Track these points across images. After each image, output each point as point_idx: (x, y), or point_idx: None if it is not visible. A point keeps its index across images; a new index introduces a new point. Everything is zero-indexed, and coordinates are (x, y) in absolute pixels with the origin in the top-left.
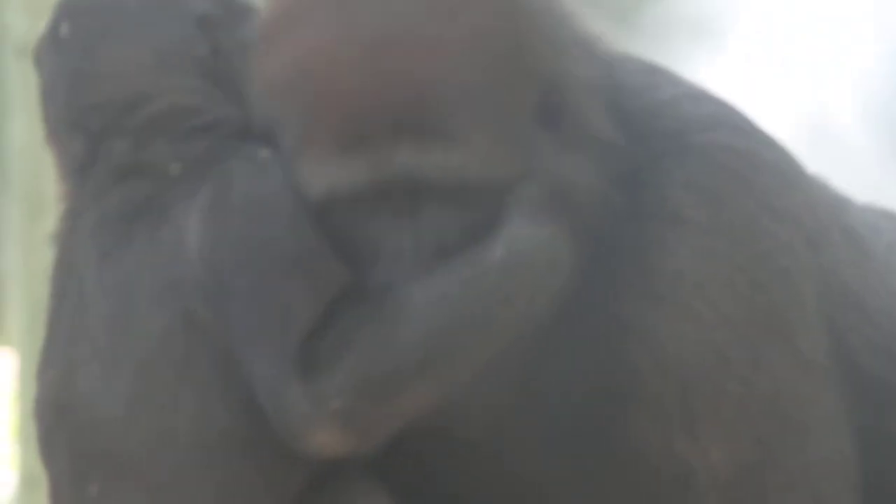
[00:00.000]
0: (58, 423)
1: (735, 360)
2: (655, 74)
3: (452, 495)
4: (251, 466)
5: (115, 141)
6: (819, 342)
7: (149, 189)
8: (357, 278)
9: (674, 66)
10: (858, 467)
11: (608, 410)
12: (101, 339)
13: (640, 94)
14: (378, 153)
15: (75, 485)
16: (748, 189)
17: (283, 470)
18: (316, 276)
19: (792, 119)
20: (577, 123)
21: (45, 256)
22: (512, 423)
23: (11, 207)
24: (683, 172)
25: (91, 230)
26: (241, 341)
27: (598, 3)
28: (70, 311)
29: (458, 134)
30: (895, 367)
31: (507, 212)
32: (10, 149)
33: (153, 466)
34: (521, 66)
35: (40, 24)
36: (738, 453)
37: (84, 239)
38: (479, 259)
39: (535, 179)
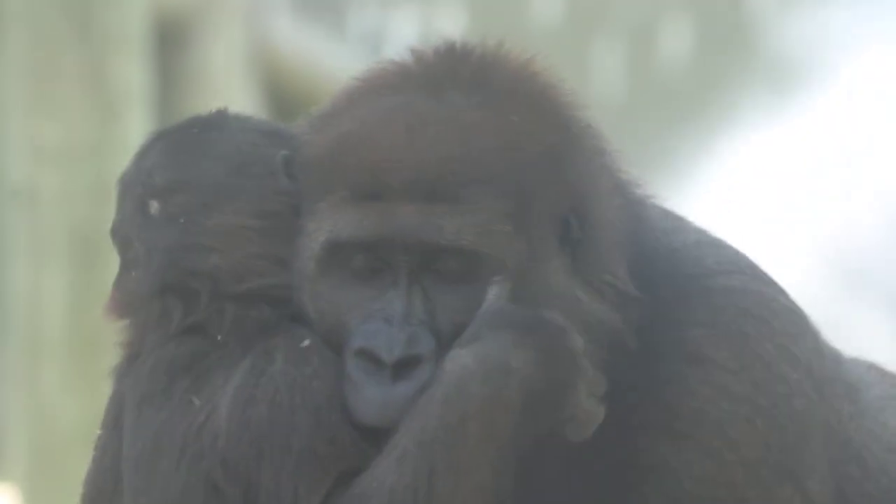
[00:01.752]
0: None
1: (750, 499)
2: (678, 219)
3: None
4: None
5: (205, 304)
6: (826, 486)
7: (198, 348)
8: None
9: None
10: None
11: None
12: (133, 482)
13: (665, 237)
14: (388, 207)
15: None
16: (767, 332)
17: None
18: (327, 467)
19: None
20: (595, 259)
21: (45, 397)
22: None
23: (13, 351)
24: (704, 313)
25: (140, 375)
26: None
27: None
28: (113, 449)
29: (470, 202)
30: None
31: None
32: (12, 294)
33: None
34: (549, 175)
35: (39, 172)
36: None
37: (134, 379)
38: (426, 405)
39: (509, 279)
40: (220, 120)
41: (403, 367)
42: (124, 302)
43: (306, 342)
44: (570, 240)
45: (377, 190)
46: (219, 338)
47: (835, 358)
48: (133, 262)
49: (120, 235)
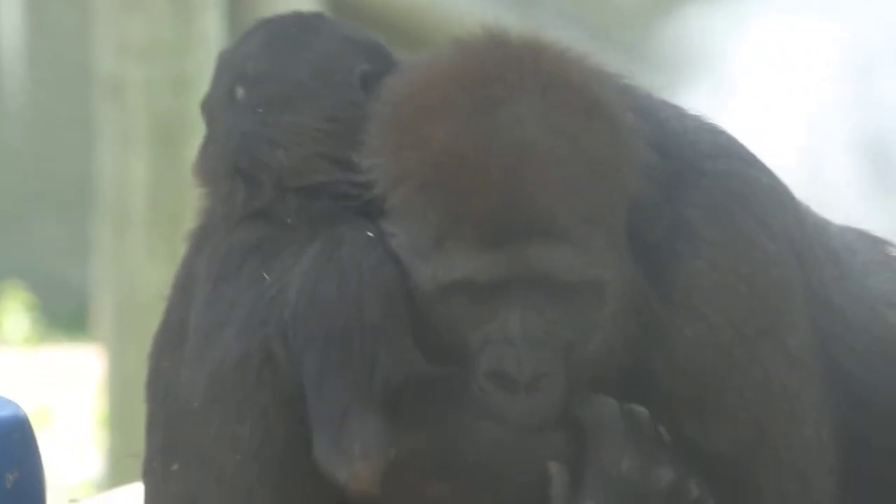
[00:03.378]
0: (161, 405)
1: (736, 355)
2: (676, 108)
3: None
4: (297, 484)
5: (268, 193)
6: (806, 343)
7: (267, 233)
8: (458, 357)
9: (676, 97)
10: (836, 453)
11: (633, 400)
12: (197, 346)
13: (664, 126)
14: (516, 251)
15: (163, 460)
16: (750, 210)
17: (324, 490)
18: (394, 350)
19: (784, 149)
20: (642, 233)
21: (130, 267)
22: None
23: (101, 225)
24: (697, 195)
25: (215, 255)
26: (314, 382)
27: (607, 35)
28: (182, 314)
29: (580, 239)
30: (871, 372)
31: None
32: (101, 174)
33: (220, 462)
34: (620, 186)
35: (126, 64)
36: (737, 436)
37: (208, 259)
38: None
39: (612, 296)
40: (317, 22)
41: (534, 381)
42: (203, 171)
43: (370, 230)
44: (628, 230)
45: (502, 235)
46: (288, 221)
47: (820, 228)
48: (214, 138)
49: (208, 109)
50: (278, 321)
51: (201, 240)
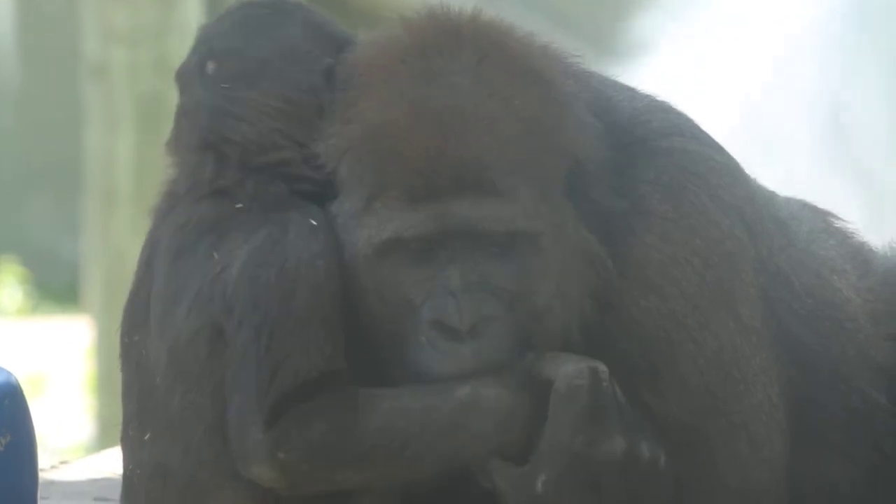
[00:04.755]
0: (134, 376)
1: (689, 324)
2: (629, 88)
3: None
4: None
5: (233, 170)
6: (756, 311)
7: (223, 212)
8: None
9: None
10: (786, 415)
11: None
12: (157, 320)
13: (616, 105)
14: (443, 206)
15: (137, 429)
16: (703, 185)
17: None
18: (315, 349)
19: (734, 122)
20: (590, 195)
21: (117, 242)
22: None
23: (89, 202)
24: (650, 171)
25: (177, 228)
26: (233, 370)
27: (570, 21)
28: (148, 288)
29: (509, 192)
30: (816, 335)
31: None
32: (88, 153)
33: (187, 432)
34: (556, 144)
35: (111, 49)
36: (690, 401)
37: (170, 232)
38: (447, 392)
39: (545, 245)
40: (293, 8)
41: (475, 327)
42: (175, 141)
43: (318, 217)
44: (573, 190)
45: (429, 190)
46: (239, 205)
47: (768, 199)
48: (185, 110)
49: (182, 80)
50: (222, 298)
51: (164, 211)
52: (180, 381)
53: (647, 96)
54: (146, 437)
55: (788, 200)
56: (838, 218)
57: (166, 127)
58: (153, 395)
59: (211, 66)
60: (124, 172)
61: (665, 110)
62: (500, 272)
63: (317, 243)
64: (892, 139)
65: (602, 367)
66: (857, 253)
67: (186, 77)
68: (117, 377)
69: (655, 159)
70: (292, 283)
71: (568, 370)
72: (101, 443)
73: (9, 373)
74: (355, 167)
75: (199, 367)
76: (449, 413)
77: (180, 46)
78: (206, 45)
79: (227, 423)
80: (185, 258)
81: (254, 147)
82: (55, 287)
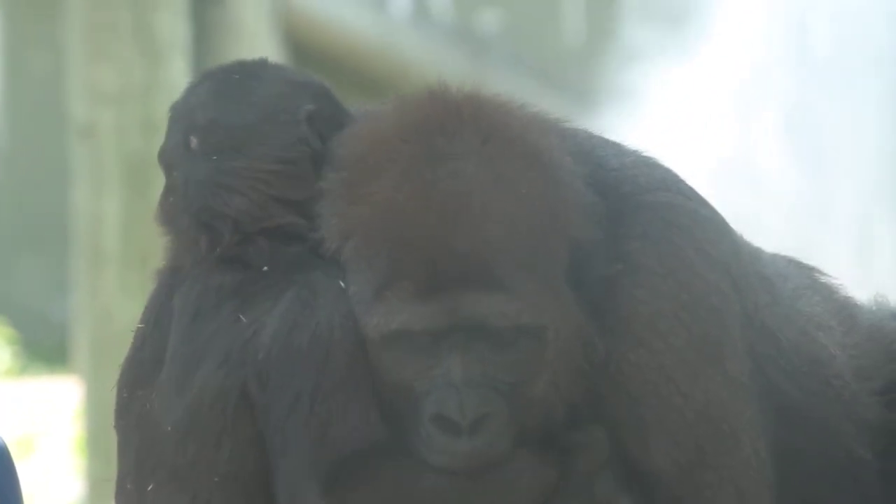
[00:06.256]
0: (134, 430)
1: (677, 378)
2: (615, 145)
3: None
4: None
5: (232, 239)
6: (743, 366)
7: (244, 277)
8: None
9: (599, 128)
10: (773, 469)
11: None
12: (174, 376)
13: (603, 164)
14: (451, 300)
15: (137, 481)
16: (690, 240)
17: None
18: (357, 411)
19: (716, 164)
20: (586, 266)
21: (105, 301)
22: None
23: (77, 261)
24: (637, 226)
25: (190, 295)
26: (277, 436)
27: (550, 75)
28: (156, 346)
29: (515, 287)
30: (803, 391)
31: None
32: (75, 212)
33: (196, 483)
34: (560, 232)
35: (98, 109)
36: (679, 456)
37: (183, 299)
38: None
39: (552, 337)
40: (259, 69)
41: (476, 423)
42: (165, 218)
43: (341, 283)
44: (572, 275)
45: (438, 282)
46: (264, 267)
47: (754, 256)
48: (173, 187)
49: (165, 160)
50: (254, 362)
51: (172, 281)
52: (196, 436)
53: (634, 151)
54: (149, 489)
55: (774, 256)
56: (823, 273)
57: (154, 185)
58: (158, 446)
59: (195, 141)
60: (112, 231)
61: (650, 165)
62: (502, 364)
63: (347, 304)
64: (879, 175)
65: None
66: (843, 308)
67: (170, 156)
68: (106, 437)
69: (642, 214)
70: (327, 347)
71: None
72: (90, 503)
73: None
74: (362, 251)
75: (221, 425)
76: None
77: (167, 106)
78: (184, 120)
79: (276, 488)
80: (206, 320)
81: (247, 218)
82: (43, 348)
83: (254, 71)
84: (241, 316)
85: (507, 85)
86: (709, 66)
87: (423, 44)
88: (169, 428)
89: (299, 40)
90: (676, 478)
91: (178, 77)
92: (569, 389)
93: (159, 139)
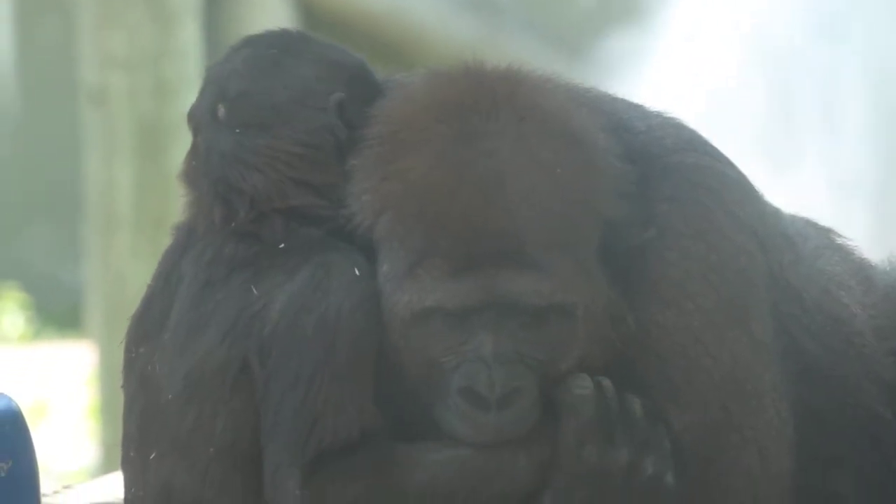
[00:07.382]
0: (138, 391)
1: (706, 340)
2: (639, 107)
3: None
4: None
5: (248, 216)
6: (768, 327)
7: (260, 250)
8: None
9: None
10: (793, 428)
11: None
12: (177, 341)
13: (629, 127)
14: (485, 278)
15: (140, 449)
16: (718, 202)
17: None
18: (353, 405)
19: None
20: (616, 244)
21: (118, 266)
22: None
23: (89, 227)
24: (667, 188)
25: (204, 259)
26: (268, 417)
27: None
28: (164, 304)
29: (548, 265)
30: (826, 350)
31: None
32: (87, 179)
33: (195, 452)
34: (594, 211)
35: (110, 75)
36: (706, 416)
37: (194, 263)
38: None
39: (581, 316)
40: (299, 44)
41: (504, 398)
42: (187, 179)
43: (357, 270)
44: (603, 254)
45: (471, 260)
46: (281, 245)
47: (777, 216)
48: (196, 151)
49: (193, 121)
50: (259, 336)
51: (187, 240)
52: (196, 403)
53: (658, 113)
54: (151, 457)
55: (793, 217)
56: (839, 235)
57: (166, 151)
58: (160, 414)
59: (222, 111)
60: (124, 197)
61: (676, 126)
62: (533, 341)
63: (358, 292)
64: (873, 147)
65: (606, 382)
66: (860, 269)
67: (198, 119)
68: (119, 401)
69: (669, 176)
70: (332, 335)
71: (573, 382)
72: (104, 467)
73: (10, 398)
74: (396, 228)
75: (220, 394)
76: (483, 471)
77: (178, 71)
78: (216, 86)
79: (263, 471)
80: (216, 288)
81: (263, 197)
82: (57, 313)
83: (293, 46)
84: (252, 287)
85: (521, 50)
86: (723, 32)
87: (436, 8)
88: (170, 396)
89: (312, 4)
90: (702, 439)
91: (189, 42)
92: (597, 363)
93: (171, 104)
